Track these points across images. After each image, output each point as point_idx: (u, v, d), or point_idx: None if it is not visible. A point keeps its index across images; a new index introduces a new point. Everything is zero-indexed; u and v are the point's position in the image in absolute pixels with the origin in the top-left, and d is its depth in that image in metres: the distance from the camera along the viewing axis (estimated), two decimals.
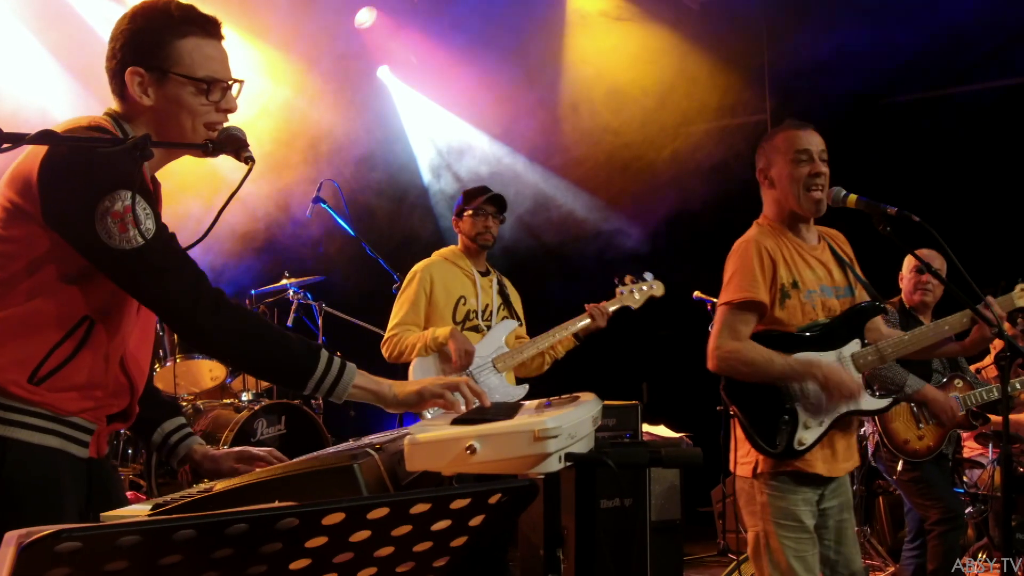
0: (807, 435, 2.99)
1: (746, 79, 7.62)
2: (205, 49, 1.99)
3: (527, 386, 4.40)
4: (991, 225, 6.59)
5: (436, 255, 4.47)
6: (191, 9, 2.01)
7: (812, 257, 3.18)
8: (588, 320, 4.36)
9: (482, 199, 4.41)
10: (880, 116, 7.46)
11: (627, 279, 4.52)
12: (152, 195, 1.91)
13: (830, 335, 3.10)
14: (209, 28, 2.01)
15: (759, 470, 3.05)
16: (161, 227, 1.85)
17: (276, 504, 1.09)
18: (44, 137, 1.61)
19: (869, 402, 3.10)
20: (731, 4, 7.55)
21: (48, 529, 0.92)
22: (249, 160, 1.89)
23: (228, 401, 5.48)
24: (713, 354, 3.06)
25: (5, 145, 1.52)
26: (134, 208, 1.77)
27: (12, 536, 0.94)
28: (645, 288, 4.52)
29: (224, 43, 2.06)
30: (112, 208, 1.77)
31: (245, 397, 5.44)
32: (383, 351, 4.27)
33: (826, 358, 3.05)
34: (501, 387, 4.30)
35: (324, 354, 1.93)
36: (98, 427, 1.99)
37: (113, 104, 2.04)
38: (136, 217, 1.78)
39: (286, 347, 1.93)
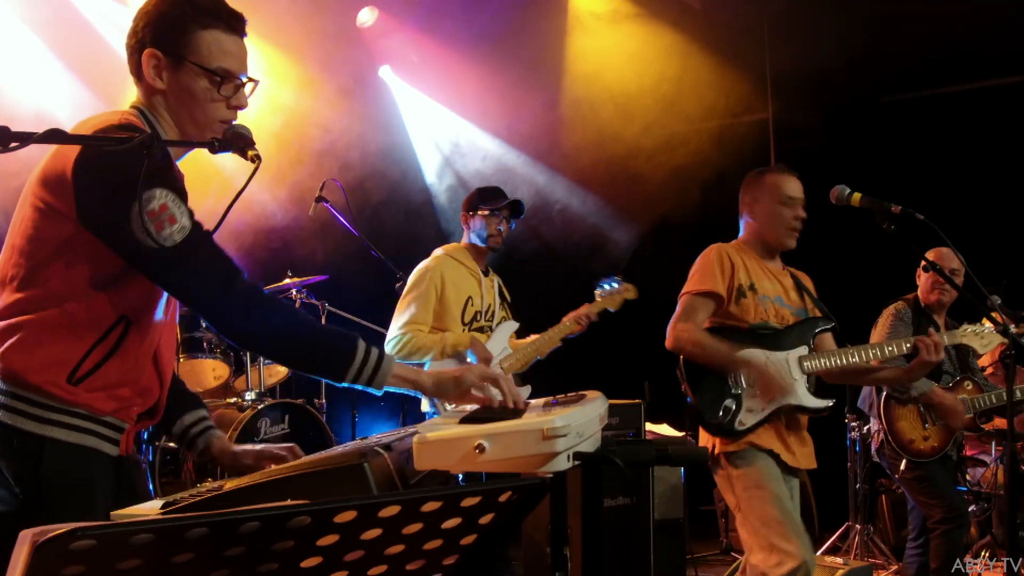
0: (749, 417, 3.35)
1: (747, 78, 7.62)
2: (224, 43, 2.01)
3: (529, 387, 4.39)
4: (992, 223, 6.59)
5: (443, 252, 4.37)
6: (218, 2, 2.03)
7: (772, 275, 3.60)
8: (575, 325, 4.44)
9: (504, 202, 4.35)
10: (880, 114, 7.46)
11: (604, 283, 4.64)
12: (185, 192, 1.91)
13: (781, 338, 3.46)
14: (233, 23, 2.03)
15: (716, 451, 3.38)
16: (196, 224, 1.86)
17: (288, 502, 1.09)
18: (52, 136, 1.61)
19: (810, 400, 3.42)
20: (733, 3, 7.54)
21: (62, 527, 0.93)
22: (256, 159, 1.89)
23: (232, 400, 5.48)
24: (669, 333, 3.44)
25: (13, 144, 1.53)
26: (142, 208, 1.77)
27: (27, 534, 0.94)
28: (618, 292, 4.64)
29: (246, 40, 2.08)
30: (148, 207, 1.78)
31: (249, 396, 5.44)
32: (388, 349, 4.11)
33: (773, 357, 3.41)
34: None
35: (362, 344, 1.91)
36: (129, 425, 2.02)
37: (131, 97, 2.07)
38: (172, 215, 1.80)
39: (323, 340, 1.93)
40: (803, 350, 3.46)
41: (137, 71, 2.03)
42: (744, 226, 3.67)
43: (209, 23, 1.99)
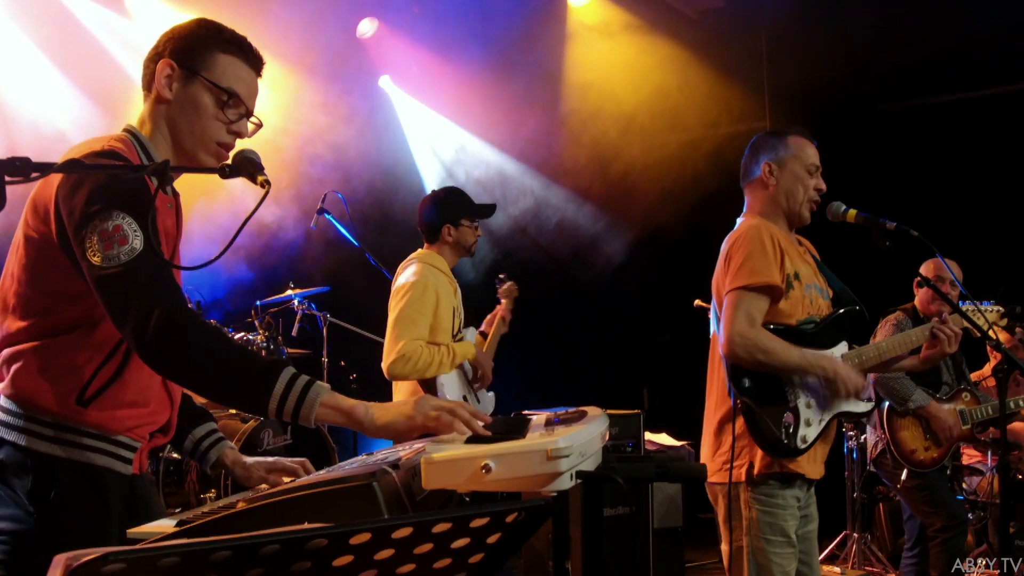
0: (809, 432, 2.99)
1: (745, 86, 7.69)
2: (239, 70, 2.09)
3: (492, 394, 4.55)
4: (990, 230, 6.65)
5: (425, 265, 4.19)
6: (242, 38, 2.11)
7: (801, 256, 3.23)
8: (503, 325, 4.69)
9: (491, 212, 4.43)
10: (879, 122, 7.52)
11: (499, 282, 4.91)
12: (149, 215, 1.85)
13: (822, 335, 3.10)
14: (251, 58, 2.11)
15: (756, 471, 2.98)
16: (148, 249, 1.82)
17: (307, 526, 1.14)
18: (71, 166, 1.66)
19: (858, 404, 3.11)
20: (730, 12, 7.62)
21: (95, 552, 0.97)
22: (266, 184, 1.92)
23: (234, 411, 5.51)
24: (731, 340, 2.95)
25: (34, 175, 1.57)
26: (123, 229, 1.81)
27: (60, 559, 0.99)
28: (509, 291, 4.86)
29: (260, 81, 2.15)
30: (101, 226, 1.81)
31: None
32: (394, 366, 3.94)
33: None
34: (485, 394, 4.46)
35: (287, 374, 1.77)
36: (141, 444, 2.06)
37: (132, 120, 2.11)
38: (124, 236, 1.80)
39: (242, 370, 1.79)
40: (844, 347, 3.13)
41: (149, 82, 2.09)
42: (757, 196, 3.25)
43: (229, 49, 2.08)
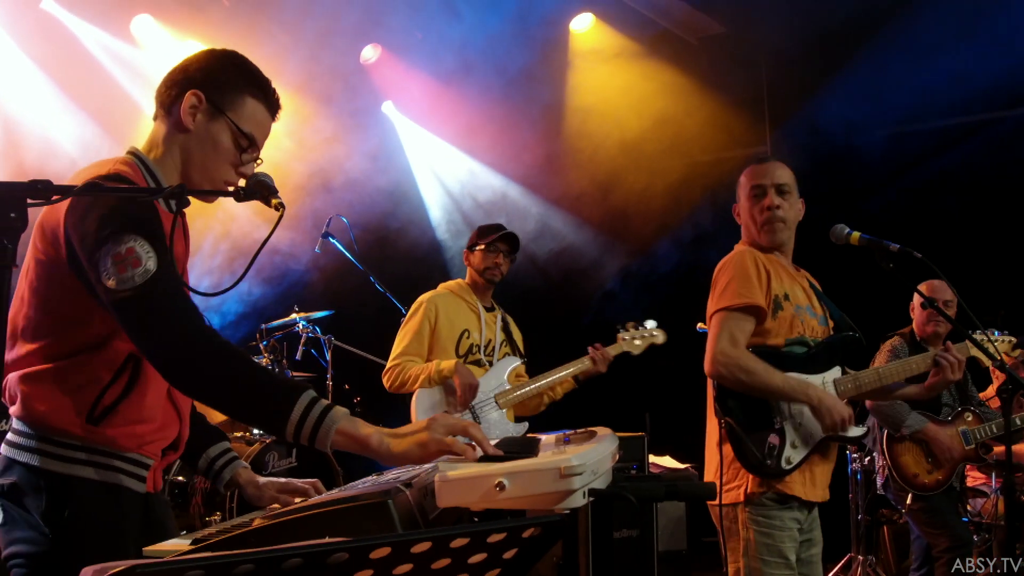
0: (795, 454, 2.99)
1: (746, 112, 7.74)
2: (261, 116, 2.14)
3: (527, 424, 4.47)
4: (990, 254, 6.67)
5: (443, 287, 4.54)
6: (268, 81, 2.17)
7: (795, 280, 3.26)
8: (589, 364, 4.44)
9: (496, 236, 4.49)
10: (879, 147, 7.56)
11: (628, 325, 4.61)
12: (161, 236, 1.89)
13: (813, 360, 3.12)
14: (272, 103, 2.17)
15: (749, 491, 3.00)
16: (162, 269, 1.84)
17: (327, 540, 1.15)
18: (90, 188, 1.68)
19: (850, 428, 3.07)
20: (730, 38, 7.68)
21: (122, 564, 0.99)
22: (280, 207, 1.95)
23: (239, 434, 5.52)
24: (714, 359, 3.02)
25: (55, 197, 1.60)
26: (136, 251, 1.82)
27: (88, 572, 1.01)
28: (647, 335, 4.63)
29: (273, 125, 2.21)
30: (115, 250, 1.82)
31: (257, 430, 5.49)
32: (384, 380, 4.33)
33: (815, 381, 3.07)
34: (501, 423, 4.35)
35: (304, 399, 1.77)
36: (154, 461, 2.07)
37: (137, 134, 2.14)
38: (138, 258, 1.81)
39: (263, 393, 1.80)
40: (837, 372, 3.15)
41: (171, 105, 2.09)
42: (742, 233, 3.36)
43: (257, 94, 2.13)
